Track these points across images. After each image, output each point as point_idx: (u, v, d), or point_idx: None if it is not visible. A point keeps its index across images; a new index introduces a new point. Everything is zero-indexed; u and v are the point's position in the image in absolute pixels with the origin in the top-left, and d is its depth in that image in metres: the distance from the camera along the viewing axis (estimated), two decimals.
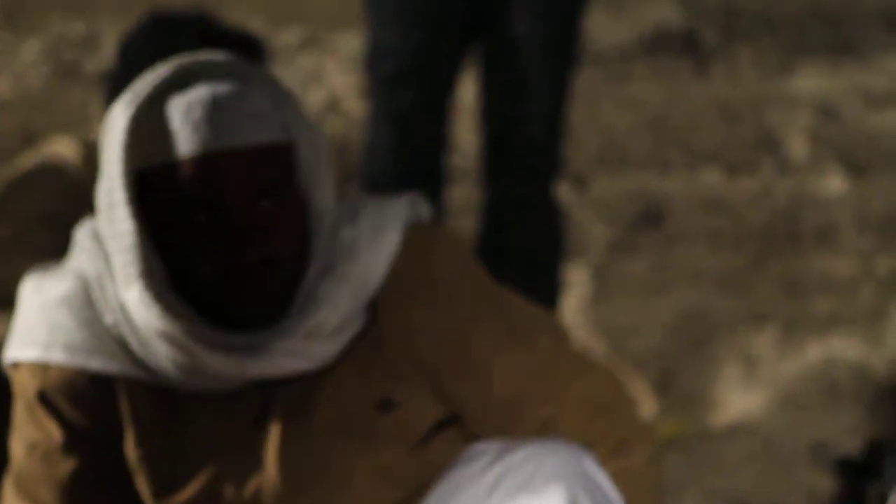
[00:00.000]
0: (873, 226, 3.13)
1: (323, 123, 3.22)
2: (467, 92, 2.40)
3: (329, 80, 3.72)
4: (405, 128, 2.12)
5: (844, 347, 2.70)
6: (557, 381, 1.19)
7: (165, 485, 1.15)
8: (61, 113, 3.45)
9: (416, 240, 1.16)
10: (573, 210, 2.71)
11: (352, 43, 3.41)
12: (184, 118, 1.06)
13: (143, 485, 1.15)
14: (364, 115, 2.38)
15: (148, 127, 1.07)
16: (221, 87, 1.08)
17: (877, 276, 3.00)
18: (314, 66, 3.78)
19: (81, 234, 1.17)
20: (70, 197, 1.95)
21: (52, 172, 2.07)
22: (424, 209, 1.21)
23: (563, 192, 2.42)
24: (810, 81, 3.50)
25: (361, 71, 2.44)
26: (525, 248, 2.17)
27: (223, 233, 1.06)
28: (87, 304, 1.14)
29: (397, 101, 2.12)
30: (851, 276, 2.99)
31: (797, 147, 3.43)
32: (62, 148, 2.11)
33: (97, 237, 1.14)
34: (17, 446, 1.17)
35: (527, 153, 2.17)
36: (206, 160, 1.05)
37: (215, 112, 1.06)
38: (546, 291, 2.11)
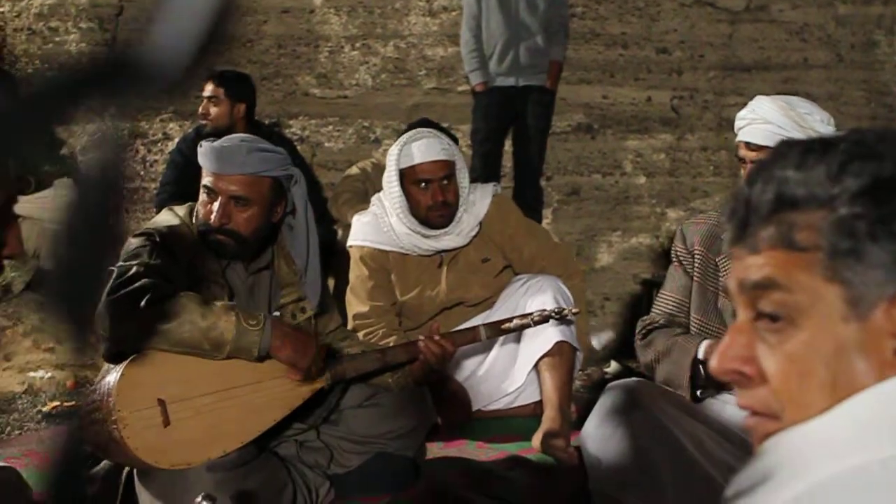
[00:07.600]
0: None
1: None
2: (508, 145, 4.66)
3: None
4: (487, 157, 4.38)
5: None
6: (548, 252, 3.12)
7: (403, 290, 3.06)
8: None
9: (496, 199, 3.09)
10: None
11: None
12: (418, 148, 2.96)
13: (395, 286, 3.06)
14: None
15: (405, 152, 2.98)
16: (432, 136, 2.99)
17: None
18: None
19: (374, 198, 3.09)
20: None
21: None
22: (498, 187, 3.15)
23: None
24: None
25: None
26: (530, 201, 4.45)
27: (433, 193, 2.96)
28: (376, 223, 3.04)
29: (483, 148, 4.48)
30: None
31: None
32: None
33: (380, 199, 3.06)
34: (352, 279, 3.08)
35: (530, 170, 4.55)
36: (425, 165, 2.96)
37: (427, 146, 2.96)
38: (538, 214, 4.53)
